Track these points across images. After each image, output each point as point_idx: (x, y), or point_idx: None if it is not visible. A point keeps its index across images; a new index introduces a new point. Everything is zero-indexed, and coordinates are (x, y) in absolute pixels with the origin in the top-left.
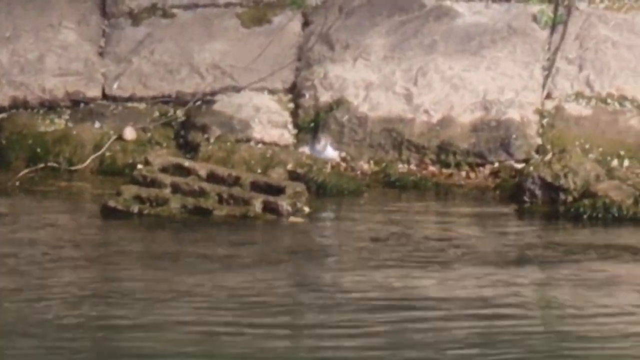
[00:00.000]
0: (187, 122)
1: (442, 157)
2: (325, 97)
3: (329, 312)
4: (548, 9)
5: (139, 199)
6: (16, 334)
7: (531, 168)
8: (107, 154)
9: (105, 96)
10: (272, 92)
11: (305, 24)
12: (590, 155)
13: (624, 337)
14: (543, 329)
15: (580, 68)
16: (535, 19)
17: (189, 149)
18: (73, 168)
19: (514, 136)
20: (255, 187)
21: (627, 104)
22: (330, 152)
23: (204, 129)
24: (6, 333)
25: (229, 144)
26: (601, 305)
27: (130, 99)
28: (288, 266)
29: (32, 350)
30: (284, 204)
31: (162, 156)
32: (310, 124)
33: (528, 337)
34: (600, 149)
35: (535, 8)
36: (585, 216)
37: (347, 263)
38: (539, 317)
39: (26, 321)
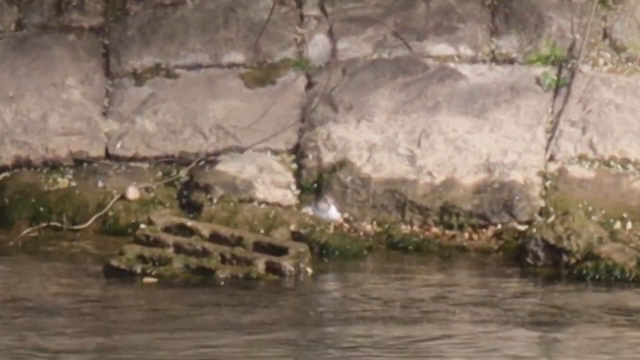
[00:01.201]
0: (190, 182)
1: (445, 218)
2: (328, 158)
3: None
4: (552, 72)
5: (142, 258)
6: None
7: (534, 230)
8: (110, 213)
9: (108, 156)
10: (275, 152)
11: (309, 84)
12: (594, 218)
13: None
14: None
15: (584, 131)
16: (538, 81)
17: (192, 209)
18: (76, 227)
19: (517, 198)
20: (258, 247)
21: (630, 167)
22: (334, 213)
23: (207, 189)
24: None
25: (231, 204)
26: None
27: (134, 158)
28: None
29: None
30: (287, 264)
31: (165, 216)
32: (313, 185)
33: None
34: (603, 212)
35: (538, 70)
36: (588, 278)
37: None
38: None
39: None
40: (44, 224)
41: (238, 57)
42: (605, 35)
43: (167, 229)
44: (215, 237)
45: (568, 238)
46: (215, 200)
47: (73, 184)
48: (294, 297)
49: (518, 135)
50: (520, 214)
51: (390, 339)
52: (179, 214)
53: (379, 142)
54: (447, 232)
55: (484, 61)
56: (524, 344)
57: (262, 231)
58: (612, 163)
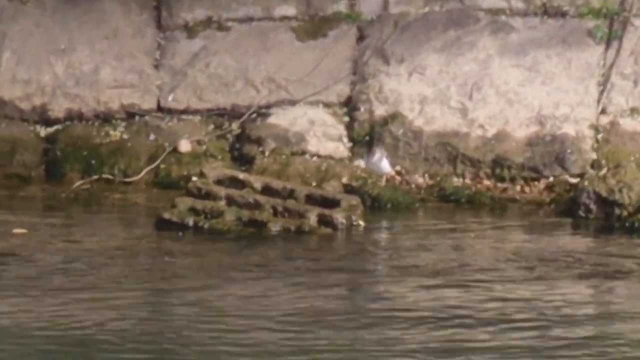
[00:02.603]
0: (242, 134)
1: (497, 171)
2: (380, 111)
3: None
4: (603, 25)
5: (193, 211)
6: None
7: (586, 183)
8: (162, 166)
9: (160, 108)
10: (327, 105)
11: (361, 38)
12: None
13: None
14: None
15: (636, 83)
16: (590, 34)
17: (244, 161)
18: (128, 180)
19: (569, 151)
20: (310, 200)
21: None
22: (386, 166)
23: (259, 141)
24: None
25: (283, 156)
26: None
27: (185, 111)
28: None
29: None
30: (339, 217)
31: (217, 168)
32: (365, 138)
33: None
34: None
35: (590, 23)
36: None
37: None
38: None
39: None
40: (96, 177)
41: (290, 10)
42: None
43: (219, 182)
44: (267, 190)
45: (620, 191)
46: (267, 153)
47: (125, 136)
48: (347, 250)
49: (570, 88)
50: (572, 167)
51: (438, 295)
52: (231, 167)
53: (431, 95)
54: (499, 184)
55: (536, 14)
56: (580, 295)
57: (314, 184)
58: None
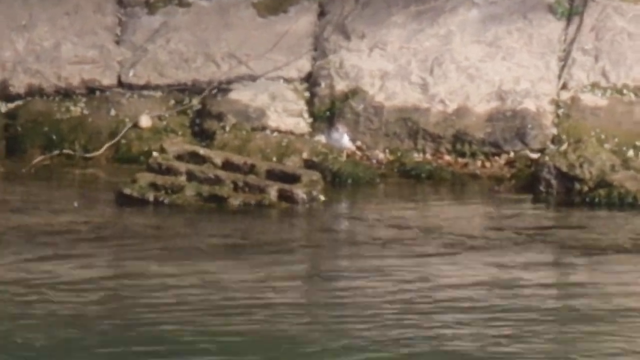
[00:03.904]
0: (202, 110)
1: (458, 146)
2: (341, 86)
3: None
4: (564, 0)
5: (154, 186)
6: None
7: (547, 158)
8: (123, 141)
9: (121, 84)
10: (287, 80)
11: (322, 13)
12: (606, 146)
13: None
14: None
15: (596, 59)
16: (551, 9)
17: (205, 137)
18: (88, 155)
19: (529, 126)
20: (271, 175)
21: None
22: (346, 141)
23: (219, 117)
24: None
25: (244, 132)
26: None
27: (146, 87)
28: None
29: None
30: (300, 192)
31: (178, 144)
32: (326, 113)
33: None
34: (616, 140)
35: None
36: (600, 204)
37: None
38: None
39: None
40: (57, 152)
41: None
42: None
43: (179, 157)
44: (227, 165)
45: (580, 166)
46: (227, 128)
47: (85, 112)
48: (306, 224)
49: (530, 63)
50: (532, 142)
51: (397, 267)
52: (192, 142)
53: (392, 71)
54: (459, 160)
55: None
56: (540, 269)
57: (274, 159)
58: (624, 91)
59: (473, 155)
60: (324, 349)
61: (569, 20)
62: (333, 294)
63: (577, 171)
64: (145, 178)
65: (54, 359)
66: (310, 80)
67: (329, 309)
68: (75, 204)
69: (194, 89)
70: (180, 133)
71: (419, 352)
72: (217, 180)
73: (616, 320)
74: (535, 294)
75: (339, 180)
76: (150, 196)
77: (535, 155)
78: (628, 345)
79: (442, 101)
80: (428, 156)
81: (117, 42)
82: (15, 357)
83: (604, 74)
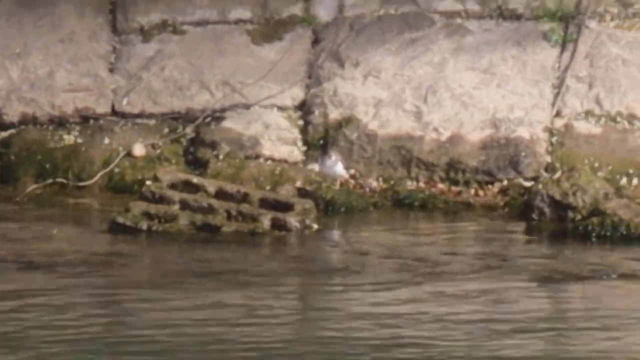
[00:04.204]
0: (196, 138)
1: (451, 174)
2: (334, 115)
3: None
4: (558, 27)
5: (147, 215)
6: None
7: (540, 186)
8: (116, 170)
9: (114, 112)
10: (281, 108)
11: (316, 41)
12: (599, 174)
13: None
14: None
15: (590, 86)
16: (545, 36)
17: (198, 165)
18: (81, 184)
19: (523, 154)
20: (264, 203)
21: (637, 123)
22: (340, 170)
23: (213, 145)
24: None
25: (238, 160)
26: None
27: (140, 115)
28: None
29: None
30: (293, 220)
31: (171, 172)
32: (320, 141)
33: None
34: (610, 167)
35: (545, 26)
36: (593, 234)
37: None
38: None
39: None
40: (50, 181)
41: (245, 13)
42: None
43: (173, 186)
44: (221, 194)
45: (574, 194)
46: (221, 157)
47: (79, 140)
48: (299, 252)
49: (525, 91)
50: (526, 170)
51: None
52: (185, 171)
53: (386, 98)
54: (453, 188)
55: (491, 16)
56: (530, 299)
57: (268, 188)
58: (618, 119)
59: (466, 183)
60: None
61: (563, 47)
62: None
63: (571, 199)
64: (138, 207)
65: None
66: (304, 108)
67: None
68: (54, 231)
69: (187, 117)
70: (173, 161)
71: None
72: (211, 209)
73: None
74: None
75: (332, 208)
76: (144, 225)
77: (528, 184)
78: None
79: (435, 129)
80: (421, 184)
81: (111, 70)
82: None
83: (597, 102)
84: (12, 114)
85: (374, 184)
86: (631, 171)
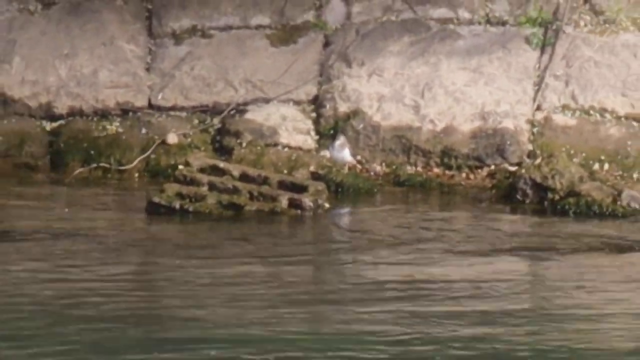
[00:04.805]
0: (222, 129)
1: (445, 160)
2: (343, 108)
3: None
4: (539, 32)
5: (180, 195)
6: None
7: (523, 170)
8: (152, 156)
9: (151, 106)
10: (297, 103)
11: (326, 44)
12: (575, 160)
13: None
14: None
15: (567, 84)
16: (527, 40)
17: (224, 152)
18: (122, 168)
19: (508, 143)
20: (282, 185)
21: (607, 115)
22: (348, 156)
23: (237, 135)
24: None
25: (258, 148)
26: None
27: (173, 108)
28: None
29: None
30: (307, 200)
31: (200, 158)
32: (330, 131)
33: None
34: (584, 155)
35: (527, 31)
36: (570, 212)
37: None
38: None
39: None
40: (94, 165)
41: (264, 19)
42: (585, 0)
43: (202, 170)
44: (244, 177)
45: (552, 177)
46: (244, 145)
47: (120, 130)
48: (314, 229)
49: (509, 88)
50: (511, 157)
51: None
52: (213, 157)
53: (388, 94)
54: (446, 172)
55: (480, 23)
56: (515, 269)
57: (285, 171)
58: (591, 112)
59: (459, 168)
60: None
61: (542, 50)
62: None
63: (550, 182)
64: (172, 188)
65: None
66: (317, 102)
67: None
68: (66, 210)
69: (214, 110)
70: (202, 149)
71: None
72: (235, 190)
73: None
74: None
75: (341, 190)
76: (177, 204)
77: (513, 168)
78: None
79: (431, 121)
80: (419, 169)
81: (148, 69)
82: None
83: (573, 97)
84: (61, 107)
85: (378, 168)
86: (602, 158)
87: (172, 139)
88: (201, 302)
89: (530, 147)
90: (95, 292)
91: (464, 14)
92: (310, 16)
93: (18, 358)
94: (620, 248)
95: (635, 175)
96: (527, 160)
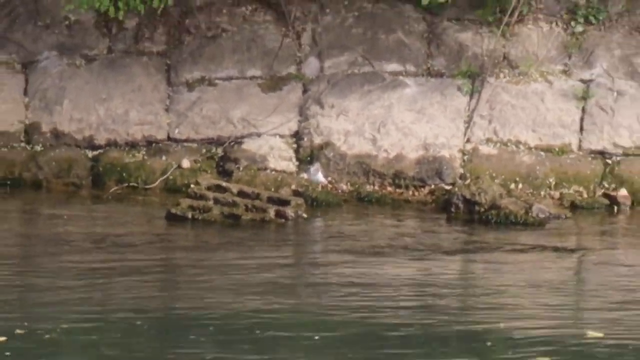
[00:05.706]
0: (224, 156)
1: (396, 181)
2: (317, 140)
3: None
4: (468, 82)
5: (192, 207)
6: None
7: (456, 189)
8: (170, 177)
9: (169, 138)
10: (282, 136)
11: (305, 91)
12: (496, 181)
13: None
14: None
15: (490, 122)
16: (459, 88)
17: (226, 174)
18: (147, 187)
19: (445, 167)
20: (270, 200)
21: (521, 147)
22: (321, 178)
23: (235, 161)
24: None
25: (252, 171)
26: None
27: (187, 140)
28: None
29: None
30: (289, 211)
31: (207, 179)
32: (308, 158)
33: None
34: (503, 177)
35: (460, 81)
36: (492, 222)
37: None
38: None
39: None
40: (126, 185)
41: (257, 72)
42: (504, 58)
43: (208, 188)
44: (241, 193)
45: (479, 194)
46: (241, 169)
47: (145, 157)
48: (295, 234)
49: (446, 125)
50: (447, 178)
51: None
52: (217, 178)
53: (352, 130)
54: (397, 190)
55: (423, 75)
56: (449, 267)
57: (272, 189)
58: (509, 144)
59: (407, 187)
60: None
61: (471, 96)
62: None
63: (477, 198)
64: (185, 202)
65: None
66: (297, 136)
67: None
68: (65, 216)
69: (218, 142)
70: (209, 172)
71: None
72: (234, 204)
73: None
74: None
75: (316, 203)
76: (189, 214)
77: (448, 187)
78: None
79: (385, 150)
80: (376, 188)
81: (167, 110)
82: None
83: (495, 132)
84: (100, 139)
85: (344, 187)
86: (517, 179)
87: (185, 164)
88: (207, 285)
89: (461, 170)
90: (125, 274)
91: (411, 68)
92: (292, 69)
93: None
94: (524, 250)
95: (542, 193)
96: (459, 181)
